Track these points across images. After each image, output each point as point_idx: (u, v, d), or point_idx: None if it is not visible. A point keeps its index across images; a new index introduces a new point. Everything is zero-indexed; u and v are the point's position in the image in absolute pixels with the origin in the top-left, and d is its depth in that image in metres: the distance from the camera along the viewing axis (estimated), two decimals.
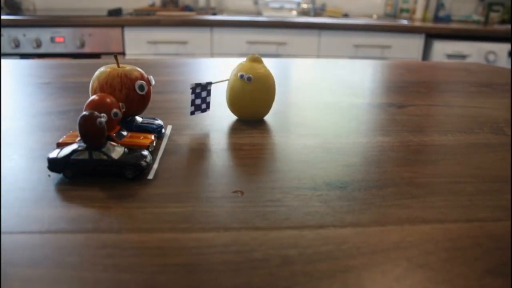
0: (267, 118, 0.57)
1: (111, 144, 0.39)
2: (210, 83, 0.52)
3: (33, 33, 1.85)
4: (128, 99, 0.46)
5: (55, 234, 0.30)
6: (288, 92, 0.72)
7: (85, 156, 0.37)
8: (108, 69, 0.46)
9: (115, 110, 0.40)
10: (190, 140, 0.48)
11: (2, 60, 0.90)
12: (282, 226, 0.32)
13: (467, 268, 0.28)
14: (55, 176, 0.38)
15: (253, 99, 0.53)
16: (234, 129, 0.52)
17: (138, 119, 0.49)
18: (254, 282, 0.26)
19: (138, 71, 0.47)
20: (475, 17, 2.33)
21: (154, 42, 1.93)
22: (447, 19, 2.34)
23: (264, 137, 0.50)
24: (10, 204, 0.34)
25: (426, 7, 2.33)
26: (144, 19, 1.89)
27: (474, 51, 2.03)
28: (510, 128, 0.56)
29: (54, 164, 0.38)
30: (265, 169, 0.41)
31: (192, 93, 0.51)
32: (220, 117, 0.56)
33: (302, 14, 2.33)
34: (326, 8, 2.35)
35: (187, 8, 2.21)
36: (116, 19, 1.89)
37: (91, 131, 0.37)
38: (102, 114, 0.37)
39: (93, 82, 0.46)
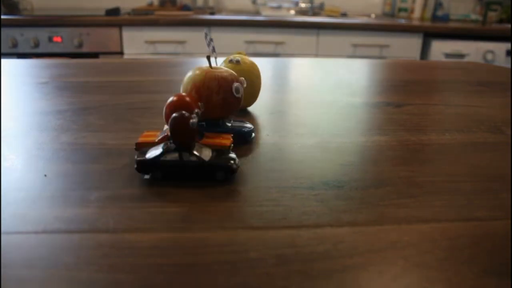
0: (264, 117, 0.57)
1: (199, 145, 0.39)
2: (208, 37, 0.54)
3: (30, 33, 1.84)
4: (225, 101, 0.45)
5: (51, 234, 0.30)
6: (286, 91, 0.71)
7: (175, 157, 0.37)
8: (204, 71, 0.46)
9: (196, 110, 0.40)
10: None
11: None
12: (278, 226, 0.32)
13: (465, 267, 0.28)
14: (52, 176, 0.38)
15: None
16: None
17: (229, 121, 0.48)
18: (250, 281, 0.26)
19: (233, 73, 0.47)
20: (473, 16, 2.33)
21: (152, 42, 1.92)
22: (445, 18, 2.34)
23: (261, 136, 0.50)
24: (6, 204, 0.34)
25: (424, 6, 2.33)
26: (142, 19, 1.88)
27: (472, 50, 2.03)
28: (507, 127, 0.56)
29: (143, 166, 0.37)
30: (262, 168, 0.41)
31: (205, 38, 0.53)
32: None
33: (300, 14, 2.32)
34: (324, 7, 2.35)
35: (185, 8, 2.20)
36: (114, 18, 1.89)
37: (183, 132, 0.36)
38: (193, 115, 0.37)
39: (186, 83, 0.46)
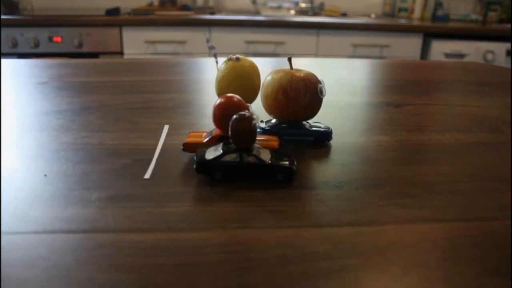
0: (264, 117, 0.57)
1: (257, 147, 0.39)
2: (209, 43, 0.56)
3: (30, 33, 1.84)
4: (311, 103, 0.46)
5: (51, 234, 0.30)
6: None
7: (235, 158, 0.37)
8: (289, 74, 0.46)
9: (246, 111, 0.40)
10: None
11: None
12: (279, 226, 0.32)
13: (465, 267, 0.28)
14: (52, 176, 0.38)
15: (238, 83, 0.54)
16: None
17: (305, 122, 0.48)
18: (251, 282, 0.26)
19: (314, 75, 0.47)
20: (473, 16, 2.33)
21: (152, 42, 1.92)
22: (445, 18, 2.34)
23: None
24: (6, 205, 0.34)
25: (425, 6, 2.33)
26: (142, 19, 1.88)
27: (473, 50, 2.03)
28: (507, 127, 0.56)
29: (202, 166, 0.37)
30: None
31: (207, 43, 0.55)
32: None
33: (300, 14, 2.32)
34: (324, 7, 2.35)
35: (185, 8, 2.20)
36: (114, 18, 1.89)
37: (245, 133, 0.36)
38: (255, 116, 0.37)
39: (272, 85, 0.46)
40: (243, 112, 0.37)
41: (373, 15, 2.37)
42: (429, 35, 2.03)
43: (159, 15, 1.97)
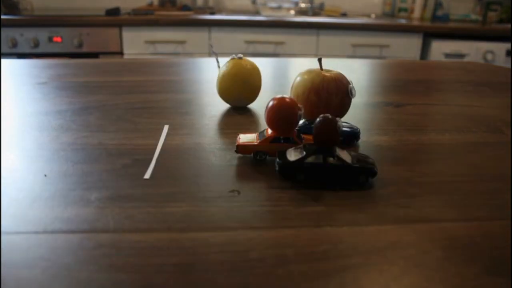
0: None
1: (338, 149, 0.39)
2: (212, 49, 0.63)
3: (30, 33, 1.84)
4: (342, 103, 0.46)
5: (51, 234, 0.30)
6: (286, 91, 0.71)
7: (317, 160, 0.37)
8: (321, 74, 0.46)
9: (299, 112, 0.40)
10: (187, 139, 0.48)
11: None
12: (278, 226, 0.32)
13: (464, 267, 0.28)
14: (52, 176, 0.38)
15: (240, 81, 0.56)
16: (231, 129, 0.52)
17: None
18: (250, 282, 0.26)
19: (344, 75, 0.47)
20: (473, 16, 2.33)
21: (152, 42, 1.92)
22: (445, 18, 2.34)
23: None
24: (6, 205, 0.34)
25: (424, 6, 2.33)
26: (142, 19, 1.88)
27: (472, 50, 2.03)
28: (507, 127, 0.56)
29: (285, 169, 0.38)
30: (262, 168, 0.41)
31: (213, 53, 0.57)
32: (216, 117, 0.56)
33: (300, 14, 2.32)
34: (324, 8, 2.35)
35: (185, 8, 2.20)
36: (114, 18, 1.89)
37: (330, 135, 0.36)
38: (338, 118, 0.37)
39: (303, 85, 0.46)
40: (327, 115, 0.37)
41: (373, 15, 2.37)
42: (429, 35, 2.03)
43: (159, 15, 1.97)
